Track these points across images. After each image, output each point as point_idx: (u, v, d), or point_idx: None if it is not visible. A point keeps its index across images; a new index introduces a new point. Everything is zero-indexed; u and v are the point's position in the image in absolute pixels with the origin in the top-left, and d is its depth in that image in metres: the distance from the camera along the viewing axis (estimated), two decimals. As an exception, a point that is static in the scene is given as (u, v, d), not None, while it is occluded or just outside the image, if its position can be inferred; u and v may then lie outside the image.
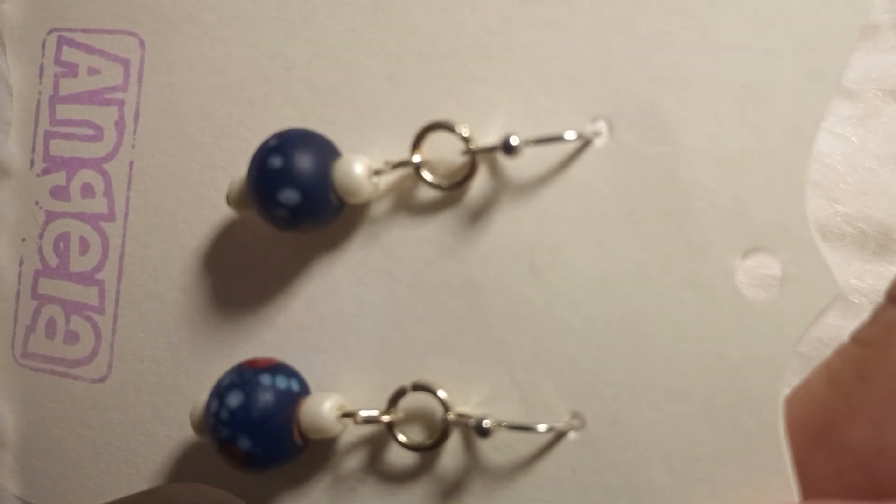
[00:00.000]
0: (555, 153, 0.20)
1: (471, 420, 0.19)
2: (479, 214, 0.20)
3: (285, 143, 0.20)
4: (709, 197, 0.18)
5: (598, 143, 0.19)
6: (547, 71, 0.20)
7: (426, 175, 0.20)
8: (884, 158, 0.23)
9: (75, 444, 0.25)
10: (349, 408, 0.21)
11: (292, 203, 0.20)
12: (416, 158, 0.20)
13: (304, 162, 0.20)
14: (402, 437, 0.21)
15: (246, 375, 0.21)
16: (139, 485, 0.24)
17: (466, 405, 0.20)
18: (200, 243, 0.23)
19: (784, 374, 0.18)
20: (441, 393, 0.20)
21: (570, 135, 0.19)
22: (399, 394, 0.20)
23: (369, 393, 0.21)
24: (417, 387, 0.20)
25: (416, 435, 0.21)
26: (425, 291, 0.21)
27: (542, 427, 0.19)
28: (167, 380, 0.24)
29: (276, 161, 0.20)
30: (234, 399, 0.20)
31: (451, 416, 0.20)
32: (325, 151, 0.21)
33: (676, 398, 0.18)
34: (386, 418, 0.20)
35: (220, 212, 0.23)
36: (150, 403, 0.24)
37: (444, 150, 0.21)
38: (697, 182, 0.18)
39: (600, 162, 0.19)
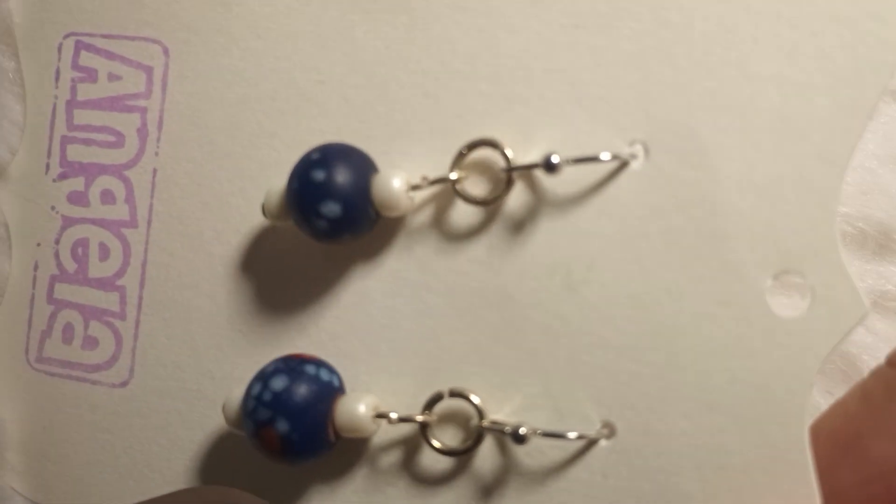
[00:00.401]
0: (592, 173, 0.21)
1: (507, 427, 0.20)
2: (515, 229, 0.21)
3: (327, 156, 0.21)
4: (743, 220, 0.19)
5: (635, 165, 0.20)
6: (586, 94, 0.21)
7: (463, 190, 0.21)
8: (884, 158, 0.24)
9: (94, 448, 0.25)
10: (383, 409, 0.22)
11: (334, 215, 0.21)
12: (454, 175, 0.21)
13: (346, 175, 0.21)
14: (435, 442, 0.21)
15: (292, 364, 0.21)
16: (161, 488, 0.24)
17: (499, 413, 0.21)
18: (228, 251, 0.24)
19: (810, 388, 0.19)
20: (475, 399, 0.21)
21: (606, 156, 0.20)
22: (435, 399, 0.21)
23: (401, 399, 0.22)
24: (454, 393, 0.21)
25: (448, 440, 0.22)
26: (459, 302, 0.22)
27: (573, 434, 0.20)
28: (191, 385, 0.24)
29: (319, 174, 0.21)
30: (279, 383, 0.21)
31: (485, 422, 0.21)
32: (365, 166, 0.21)
33: (707, 410, 0.20)
34: (420, 418, 0.21)
35: (249, 220, 0.24)
36: (173, 408, 0.24)
37: (481, 166, 0.21)
38: (732, 205, 0.19)
39: (637, 183, 0.20)
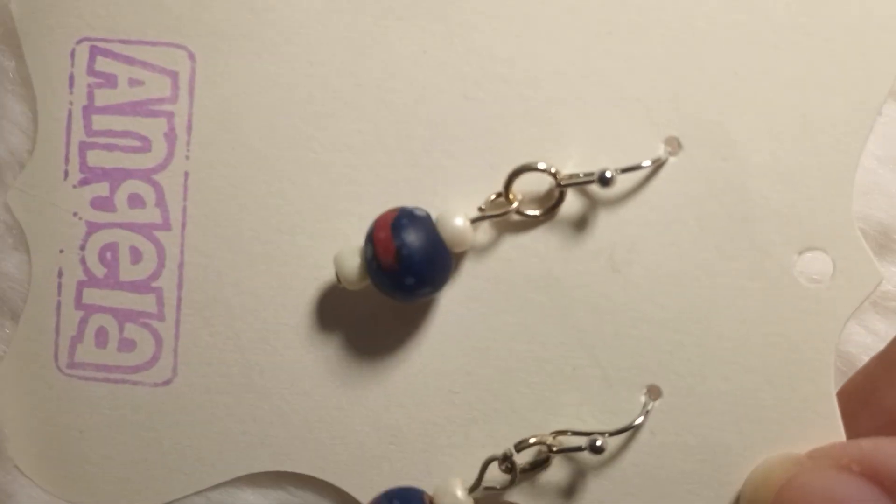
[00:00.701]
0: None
1: (583, 443, 0.22)
2: (561, 220, 0.23)
3: (410, 263, 0.22)
4: (769, 205, 0.22)
5: (671, 158, 0.23)
6: (621, 96, 0.23)
7: (521, 212, 0.23)
8: (884, 158, 0.25)
9: (139, 446, 0.26)
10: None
11: (427, 293, 0.23)
12: (514, 205, 0.23)
13: (433, 273, 0.23)
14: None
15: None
16: (213, 479, 0.25)
17: (549, 385, 0.23)
18: (269, 250, 0.25)
19: (834, 348, 0.22)
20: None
21: (647, 162, 0.22)
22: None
23: (455, 377, 0.24)
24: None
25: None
26: (506, 286, 0.24)
27: (639, 420, 0.23)
28: (239, 379, 0.25)
29: (410, 280, 0.22)
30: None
31: (551, 440, 0.23)
32: (432, 233, 0.23)
33: (744, 371, 0.22)
34: None
35: (290, 220, 0.25)
36: (220, 402, 0.25)
37: (532, 184, 0.23)
38: (760, 192, 0.22)
39: (673, 175, 0.23)
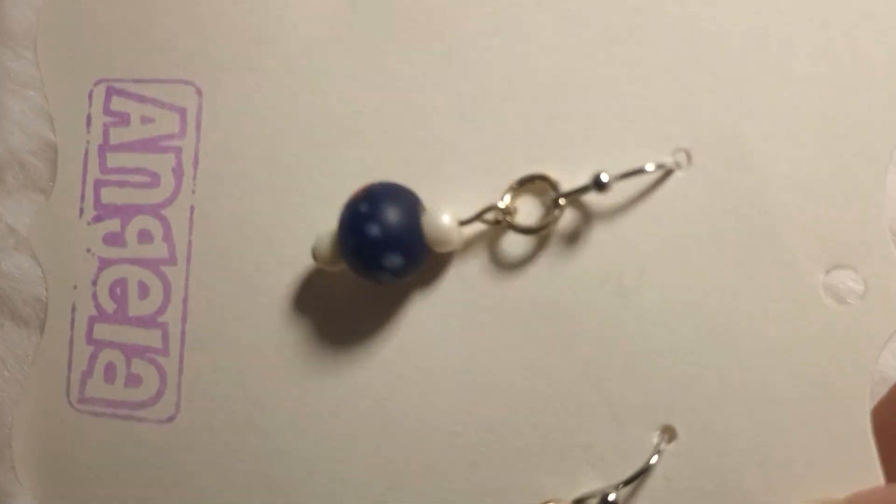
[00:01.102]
0: (638, 183, 0.21)
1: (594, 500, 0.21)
2: (564, 242, 0.22)
3: (377, 207, 0.21)
4: (791, 218, 0.20)
5: (680, 172, 0.21)
6: (627, 106, 0.22)
7: (514, 222, 0.22)
8: None
9: (143, 485, 0.25)
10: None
11: (396, 266, 0.21)
12: (503, 203, 0.22)
13: (401, 225, 0.21)
14: None
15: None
16: (214, 522, 0.24)
17: (556, 428, 0.22)
18: (272, 283, 0.24)
19: (869, 378, 0.20)
20: None
21: (651, 166, 0.21)
22: None
23: (456, 416, 0.22)
24: None
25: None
26: (510, 317, 0.22)
27: (653, 461, 0.21)
28: (240, 417, 0.24)
29: (374, 229, 0.21)
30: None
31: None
32: (414, 207, 0.22)
33: (769, 406, 0.20)
34: None
35: (293, 252, 0.24)
36: (222, 441, 0.24)
37: (530, 194, 0.22)
38: (780, 204, 0.20)
39: (682, 188, 0.21)
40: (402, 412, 0.23)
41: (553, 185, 0.21)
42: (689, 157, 0.21)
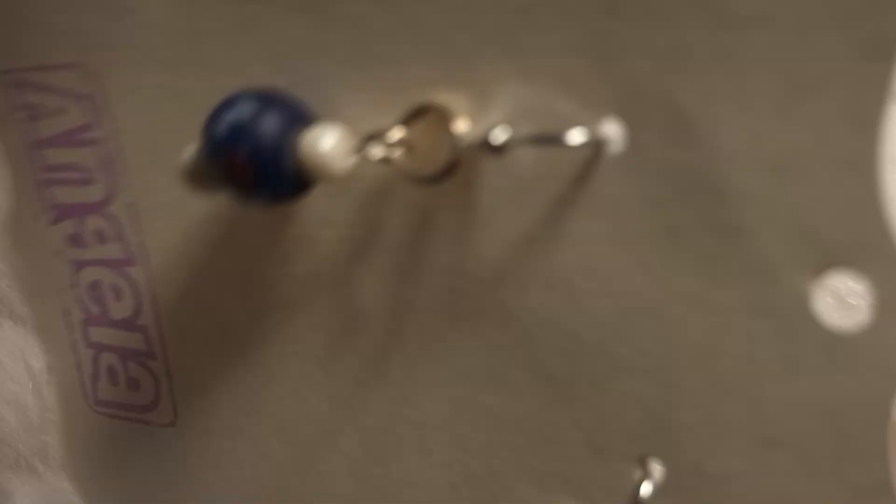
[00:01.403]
0: (568, 164, 0.16)
1: None
2: (498, 235, 0.17)
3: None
4: (760, 207, 0.14)
5: (614, 148, 0.15)
6: (541, 69, 0.16)
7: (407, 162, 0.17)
8: None
9: (156, 489, 0.24)
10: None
11: (244, 159, 0.17)
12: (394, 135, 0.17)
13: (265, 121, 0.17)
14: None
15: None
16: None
17: (530, 448, 0.18)
18: (235, 271, 0.21)
19: (890, 413, 0.14)
20: None
21: (575, 137, 0.15)
22: None
23: (428, 432, 0.19)
24: None
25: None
26: (459, 322, 0.18)
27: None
28: (230, 422, 0.23)
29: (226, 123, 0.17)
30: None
31: None
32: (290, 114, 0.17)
33: (766, 446, 0.15)
34: None
35: (248, 234, 0.21)
36: (219, 446, 0.23)
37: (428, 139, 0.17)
38: (743, 190, 0.14)
39: (621, 171, 0.15)
40: (379, 427, 0.20)
41: (449, 130, 0.16)
42: (623, 127, 0.15)
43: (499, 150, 0.15)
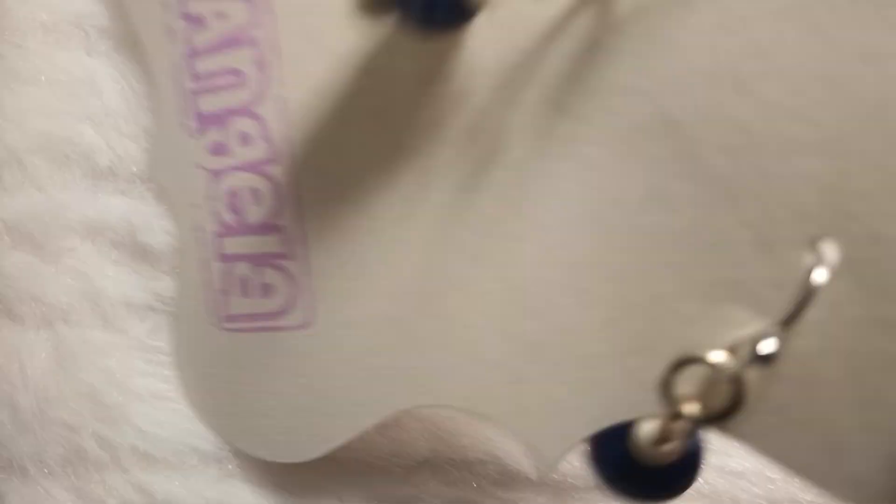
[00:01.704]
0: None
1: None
2: (653, 40, 0.18)
3: None
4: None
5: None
6: None
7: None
8: None
9: (296, 394, 0.24)
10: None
11: None
12: None
13: None
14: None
15: None
16: (369, 420, 0.24)
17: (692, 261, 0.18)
18: (385, 149, 0.22)
19: None
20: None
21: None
22: None
23: (580, 268, 0.20)
24: None
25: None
26: (615, 141, 0.19)
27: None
28: (377, 311, 0.23)
29: None
30: None
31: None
32: None
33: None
34: None
35: (400, 109, 0.22)
36: (363, 338, 0.23)
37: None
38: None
39: None
40: (525, 276, 0.20)
41: None
42: None
43: None
